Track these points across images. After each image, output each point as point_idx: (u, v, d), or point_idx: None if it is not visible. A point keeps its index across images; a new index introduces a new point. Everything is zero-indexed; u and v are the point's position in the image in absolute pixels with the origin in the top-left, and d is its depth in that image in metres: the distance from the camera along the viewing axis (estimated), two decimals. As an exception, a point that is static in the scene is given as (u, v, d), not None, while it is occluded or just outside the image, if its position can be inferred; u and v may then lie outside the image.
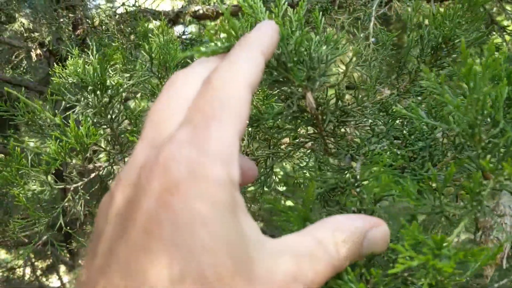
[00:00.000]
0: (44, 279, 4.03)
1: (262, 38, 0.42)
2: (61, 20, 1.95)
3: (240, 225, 0.31)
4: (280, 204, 0.48)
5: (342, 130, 0.80)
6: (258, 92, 0.81)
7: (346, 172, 0.61)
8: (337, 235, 0.35)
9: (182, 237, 0.28)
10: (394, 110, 0.65)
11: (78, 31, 2.00)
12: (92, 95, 0.82)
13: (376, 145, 0.69)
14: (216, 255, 0.28)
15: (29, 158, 0.85)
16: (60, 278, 3.79)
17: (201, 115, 0.33)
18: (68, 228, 1.02)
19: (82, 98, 0.84)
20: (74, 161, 0.85)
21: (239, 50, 0.40)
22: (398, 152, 0.56)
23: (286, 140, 0.78)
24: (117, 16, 1.99)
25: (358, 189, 0.54)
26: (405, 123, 0.65)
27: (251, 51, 0.40)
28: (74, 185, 0.99)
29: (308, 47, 0.54)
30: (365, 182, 0.53)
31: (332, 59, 0.56)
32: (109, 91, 0.83)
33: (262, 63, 0.40)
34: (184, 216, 0.28)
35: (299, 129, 0.80)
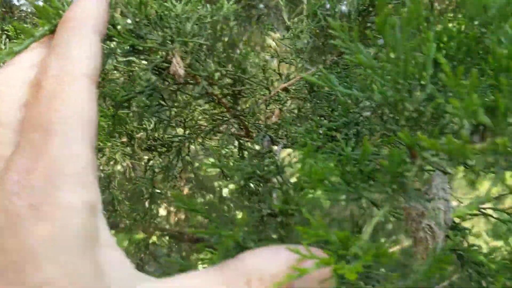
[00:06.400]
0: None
1: (88, 10, 0.35)
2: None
3: (97, 260, 0.26)
4: (195, 203, 0.38)
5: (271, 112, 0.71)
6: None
7: (264, 157, 0.52)
8: (255, 271, 0.28)
9: (15, 279, 0.24)
10: (312, 82, 0.57)
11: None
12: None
13: (300, 127, 0.60)
14: None
15: None
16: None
17: (39, 133, 0.28)
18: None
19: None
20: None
21: (65, 35, 0.33)
22: (321, 132, 0.48)
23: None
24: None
25: (280, 178, 0.45)
26: (333, 100, 0.57)
27: (81, 33, 0.33)
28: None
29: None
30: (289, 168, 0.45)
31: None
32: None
33: (98, 44, 0.34)
34: (18, 256, 0.25)
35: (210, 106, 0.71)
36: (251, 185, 0.41)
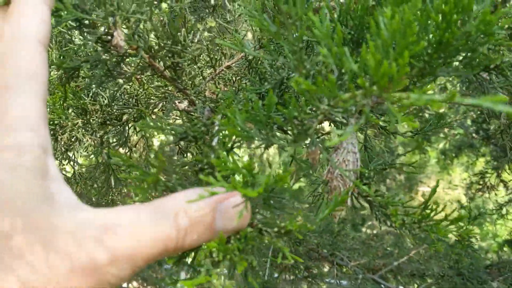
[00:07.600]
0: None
1: None
2: None
3: (46, 188, 0.32)
4: (129, 159, 0.44)
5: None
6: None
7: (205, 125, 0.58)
8: (181, 206, 0.36)
9: None
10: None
11: None
12: None
13: (240, 97, 0.67)
14: (6, 211, 0.29)
15: None
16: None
17: None
18: None
19: None
20: None
21: (19, 5, 0.38)
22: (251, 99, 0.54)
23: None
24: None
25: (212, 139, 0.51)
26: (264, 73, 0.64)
27: (33, 3, 0.39)
28: None
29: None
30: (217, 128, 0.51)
31: None
32: None
33: (48, 14, 0.39)
34: None
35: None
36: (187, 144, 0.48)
